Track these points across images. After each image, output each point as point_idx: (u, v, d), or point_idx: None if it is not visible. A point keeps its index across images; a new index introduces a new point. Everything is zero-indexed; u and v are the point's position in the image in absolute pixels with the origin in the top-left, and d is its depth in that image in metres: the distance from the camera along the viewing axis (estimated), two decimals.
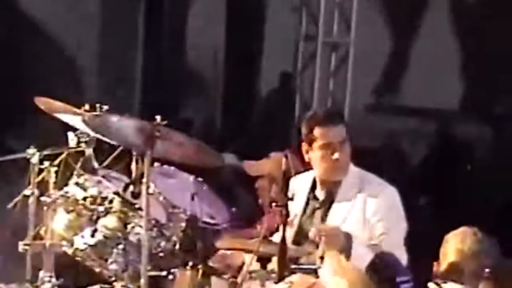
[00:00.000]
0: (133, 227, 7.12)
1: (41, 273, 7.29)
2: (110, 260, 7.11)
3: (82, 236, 7.12)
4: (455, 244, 6.65)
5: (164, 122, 6.87)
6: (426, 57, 12.12)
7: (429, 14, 13.72)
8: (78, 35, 13.61)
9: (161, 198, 7.28)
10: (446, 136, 12.37)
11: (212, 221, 7.30)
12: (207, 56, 13.95)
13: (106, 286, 7.38)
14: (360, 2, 12.03)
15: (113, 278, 7.21)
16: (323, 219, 7.16)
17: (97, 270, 7.27)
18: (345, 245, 6.69)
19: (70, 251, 7.17)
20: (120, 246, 7.07)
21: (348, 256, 6.78)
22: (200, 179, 7.50)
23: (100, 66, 14.14)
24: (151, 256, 6.90)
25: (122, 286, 7.14)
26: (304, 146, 7.20)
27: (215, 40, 13.67)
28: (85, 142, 7.38)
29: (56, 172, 7.38)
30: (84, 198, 7.19)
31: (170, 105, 12.08)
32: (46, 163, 7.37)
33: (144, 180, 6.76)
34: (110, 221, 7.09)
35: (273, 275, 6.68)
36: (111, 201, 7.19)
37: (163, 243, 7.15)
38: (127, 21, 14.41)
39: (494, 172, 11.37)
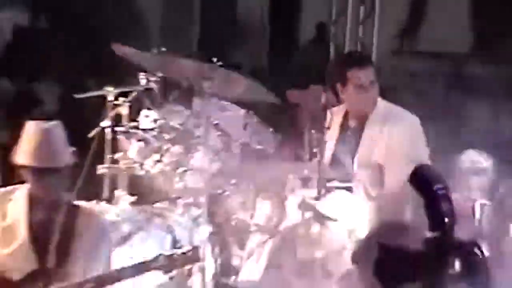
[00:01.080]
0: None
1: (116, 192, 7.38)
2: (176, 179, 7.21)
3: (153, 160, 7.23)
4: None
5: (219, 63, 7.06)
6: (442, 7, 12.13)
7: None
8: None
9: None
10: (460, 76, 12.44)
11: (260, 147, 7.35)
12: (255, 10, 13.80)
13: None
14: None
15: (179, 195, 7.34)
16: (355, 145, 7.28)
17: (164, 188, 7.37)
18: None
19: (141, 173, 7.27)
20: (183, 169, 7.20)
21: None
22: (250, 112, 7.49)
23: (163, 17, 13.85)
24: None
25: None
26: (338, 85, 7.27)
27: None
28: (153, 81, 7.38)
29: (130, 106, 7.45)
30: (152, 128, 7.27)
31: (222, 52, 11.70)
32: (121, 99, 7.41)
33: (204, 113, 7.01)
34: (175, 148, 7.18)
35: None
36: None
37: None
38: None
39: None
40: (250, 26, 13.41)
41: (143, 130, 7.31)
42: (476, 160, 7.43)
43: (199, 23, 13.57)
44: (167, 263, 5.48)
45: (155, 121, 7.28)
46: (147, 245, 7.06)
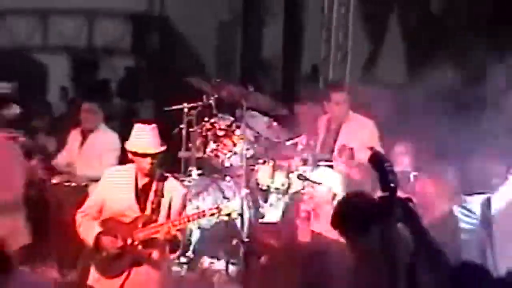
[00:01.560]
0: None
1: (189, 168, 7.58)
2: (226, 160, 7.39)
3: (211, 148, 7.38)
4: None
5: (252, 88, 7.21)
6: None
7: None
8: None
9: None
10: None
11: (277, 140, 7.48)
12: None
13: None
14: None
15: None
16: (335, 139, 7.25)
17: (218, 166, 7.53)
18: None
19: (204, 156, 7.45)
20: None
21: None
22: (271, 118, 7.61)
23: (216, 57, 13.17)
24: None
25: None
26: (325, 102, 7.31)
27: None
28: (212, 99, 7.50)
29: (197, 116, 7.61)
30: (210, 129, 7.44)
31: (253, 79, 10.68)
32: (192, 111, 7.60)
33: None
34: (226, 141, 7.37)
35: None
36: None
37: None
38: None
39: None
40: (270, 64, 12.70)
41: (205, 130, 7.43)
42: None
43: (239, 61, 12.97)
44: (219, 212, 5.53)
45: (212, 124, 7.42)
46: (208, 200, 7.23)
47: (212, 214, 5.58)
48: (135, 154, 5.41)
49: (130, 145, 5.44)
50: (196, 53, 12.59)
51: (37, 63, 12.36)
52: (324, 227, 5.84)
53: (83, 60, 12.64)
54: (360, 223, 3.96)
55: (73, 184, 7.52)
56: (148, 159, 5.36)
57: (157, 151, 5.40)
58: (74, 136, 7.89)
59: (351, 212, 4.02)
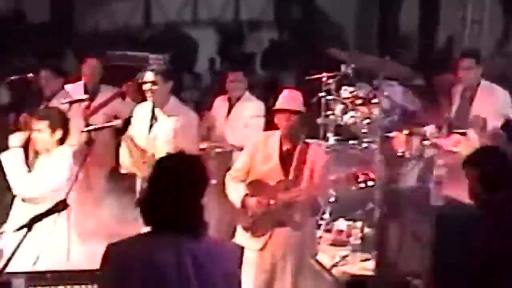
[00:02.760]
0: None
1: (327, 134, 7.68)
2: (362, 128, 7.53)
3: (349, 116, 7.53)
4: None
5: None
6: None
7: None
8: None
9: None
10: None
11: (412, 108, 7.49)
12: None
13: None
14: None
15: None
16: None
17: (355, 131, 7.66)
18: None
19: (341, 123, 7.61)
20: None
21: None
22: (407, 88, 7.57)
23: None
24: None
25: None
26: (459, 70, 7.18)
27: None
28: (350, 69, 7.59)
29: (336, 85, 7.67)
30: (348, 97, 7.55)
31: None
32: (330, 80, 7.68)
33: None
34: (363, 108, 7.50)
35: None
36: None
37: None
38: None
39: None
40: (407, 36, 12.27)
41: (344, 98, 7.61)
42: None
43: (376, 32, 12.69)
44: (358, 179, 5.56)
45: (350, 92, 7.52)
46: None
47: (355, 181, 5.64)
48: (278, 112, 5.59)
49: (276, 105, 5.64)
50: (335, 24, 12.50)
51: (187, 37, 12.63)
52: (457, 191, 5.78)
53: (230, 33, 12.82)
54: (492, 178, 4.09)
55: (219, 149, 7.63)
56: (286, 116, 5.53)
57: (297, 108, 5.56)
58: (220, 103, 8.03)
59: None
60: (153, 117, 6.13)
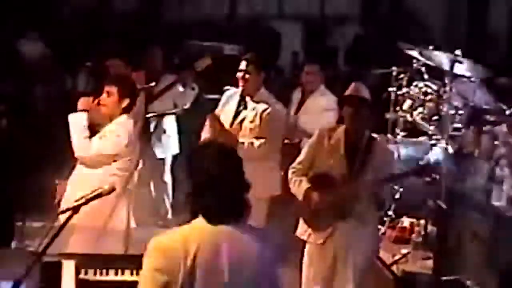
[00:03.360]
0: None
1: (396, 130, 7.63)
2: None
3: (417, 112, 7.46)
4: None
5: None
6: None
7: None
8: None
9: None
10: None
11: (486, 106, 7.32)
12: None
13: None
14: None
15: None
16: None
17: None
18: None
19: (410, 119, 7.52)
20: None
21: None
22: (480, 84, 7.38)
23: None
24: None
25: None
26: None
27: None
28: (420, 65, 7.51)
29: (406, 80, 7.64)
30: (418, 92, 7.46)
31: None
32: (401, 75, 7.69)
33: None
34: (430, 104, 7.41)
35: None
36: None
37: None
38: None
39: None
40: (495, 36, 12.11)
41: (413, 94, 7.46)
42: None
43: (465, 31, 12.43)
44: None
45: (419, 88, 7.40)
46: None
47: (414, 174, 5.62)
48: (345, 102, 5.53)
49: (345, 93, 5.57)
50: (423, 22, 12.31)
51: (272, 30, 12.64)
52: None
53: (315, 27, 12.80)
54: None
55: (286, 140, 7.46)
56: (357, 106, 5.43)
57: (364, 96, 5.46)
58: (296, 94, 8.01)
59: None
60: (241, 104, 6.24)
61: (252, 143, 6.07)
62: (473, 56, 7.26)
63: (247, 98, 6.22)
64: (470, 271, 5.65)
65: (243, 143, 6.03)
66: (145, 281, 3.25)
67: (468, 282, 5.29)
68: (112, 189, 4.03)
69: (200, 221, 3.30)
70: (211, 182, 3.28)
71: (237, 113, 6.23)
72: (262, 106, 6.13)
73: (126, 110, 5.61)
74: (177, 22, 11.89)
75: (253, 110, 6.15)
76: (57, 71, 9.82)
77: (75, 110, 5.59)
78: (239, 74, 6.15)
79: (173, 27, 11.55)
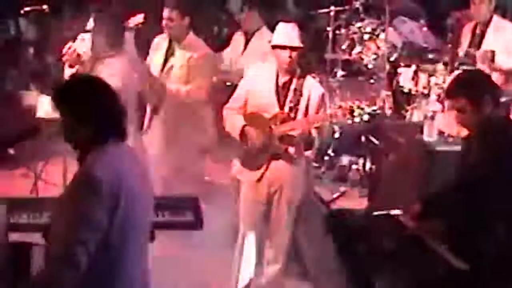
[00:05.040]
0: None
1: (335, 69, 7.66)
2: None
3: None
4: None
5: None
6: None
7: None
8: None
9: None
10: None
11: (426, 45, 7.43)
12: None
13: None
14: None
15: None
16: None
17: None
18: None
19: None
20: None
21: None
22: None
23: None
24: None
25: None
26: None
27: None
28: None
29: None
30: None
31: None
32: None
33: None
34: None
35: None
36: None
37: None
38: None
39: None
40: None
41: (352, 33, 7.52)
42: None
43: None
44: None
45: (358, 28, 7.46)
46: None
47: (349, 113, 5.55)
48: (275, 47, 5.48)
49: (273, 40, 5.53)
50: None
51: None
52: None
53: None
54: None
55: (229, 83, 7.42)
56: (287, 53, 5.40)
57: (295, 45, 5.42)
58: (237, 38, 7.96)
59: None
60: (169, 52, 6.27)
61: (178, 89, 6.15)
62: None
63: (175, 45, 6.24)
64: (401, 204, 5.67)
65: (171, 89, 6.13)
66: None
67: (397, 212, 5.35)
68: None
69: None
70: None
71: (165, 61, 6.28)
72: (189, 53, 6.16)
73: None
74: None
75: (181, 57, 6.19)
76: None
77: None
78: (164, 22, 6.19)
79: None
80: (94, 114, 3.31)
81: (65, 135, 3.38)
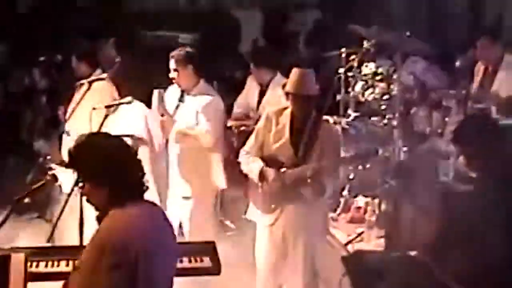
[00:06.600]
0: None
1: (348, 111, 7.59)
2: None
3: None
4: None
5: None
6: None
7: None
8: None
9: None
10: None
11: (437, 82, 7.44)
12: None
13: None
14: None
15: None
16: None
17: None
18: None
19: (362, 100, 7.53)
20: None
21: None
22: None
23: None
24: None
25: None
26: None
27: None
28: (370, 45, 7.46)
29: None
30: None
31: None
32: (352, 56, 7.58)
33: None
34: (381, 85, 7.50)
35: None
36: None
37: None
38: None
39: None
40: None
41: (364, 74, 7.51)
42: None
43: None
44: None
45: (370, 69, 7.45)
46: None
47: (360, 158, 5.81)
48: (289, 94, 5.51)
49: (287, 87, 5.53)
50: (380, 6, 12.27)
51: (231, 17, 12.48)
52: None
53: (274, 14, 12.78)
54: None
55: (243, 128, 7.57)
56: (303, 100, 5.44)
57: (311, 94, 5.46)
58: (252, 82, 7.91)
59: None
60: (181, 99, 6.38)
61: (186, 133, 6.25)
62: (433, 37, 7.49)
63: (185, 93, 6.34)
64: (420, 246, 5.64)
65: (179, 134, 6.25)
66: None
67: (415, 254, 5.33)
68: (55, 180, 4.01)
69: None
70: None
71: (176, 108, 6.38)
72: (198, 101, 6.23)
73: None
74: (136, 12, 11.78)
75: (189, 104, 6.28)
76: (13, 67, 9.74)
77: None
78: (170, 74, 6.27)
79: (131, 17, 11.45)
80: (106, 178, 3.27)
81: (85, 197, 3.38)
